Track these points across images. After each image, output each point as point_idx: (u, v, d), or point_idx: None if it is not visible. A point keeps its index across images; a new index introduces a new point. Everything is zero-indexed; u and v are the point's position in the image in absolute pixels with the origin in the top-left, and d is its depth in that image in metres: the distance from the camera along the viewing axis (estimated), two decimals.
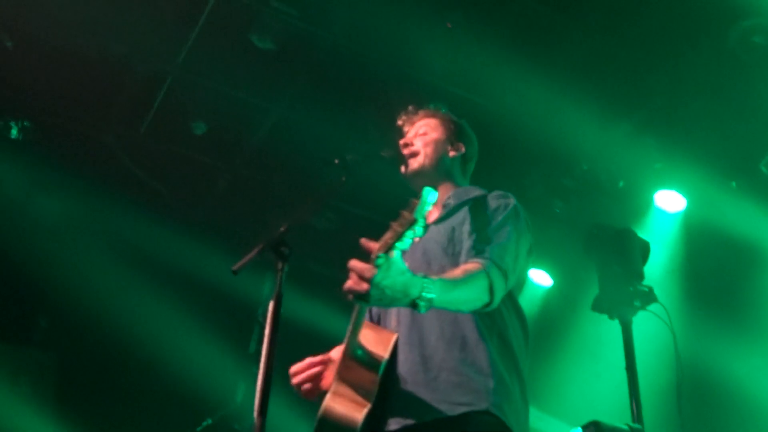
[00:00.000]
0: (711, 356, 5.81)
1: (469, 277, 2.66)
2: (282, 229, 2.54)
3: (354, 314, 2.64)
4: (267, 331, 2.41)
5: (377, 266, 2.28)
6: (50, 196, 7.73)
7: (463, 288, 2.62)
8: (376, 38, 5.95)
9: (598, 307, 4.72)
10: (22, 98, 6.74)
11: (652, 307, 4.54)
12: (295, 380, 2.95)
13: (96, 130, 7.12)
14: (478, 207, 3.08)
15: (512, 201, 3.10)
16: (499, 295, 2.75)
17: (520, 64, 5.86)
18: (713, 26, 5.41)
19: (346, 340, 2.72)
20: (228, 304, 8.02)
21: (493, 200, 3.10)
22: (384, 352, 2.76)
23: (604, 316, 4.69)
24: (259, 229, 7.59)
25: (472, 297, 2.67)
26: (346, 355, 2.72)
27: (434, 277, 2.49)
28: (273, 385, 2.64)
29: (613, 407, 4.95)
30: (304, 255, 8.39)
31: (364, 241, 2.36)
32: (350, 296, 2.33)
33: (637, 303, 4.52)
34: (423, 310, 2.42)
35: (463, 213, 3.09)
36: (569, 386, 7.03)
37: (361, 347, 2.74)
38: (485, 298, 2.69)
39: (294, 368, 2.97)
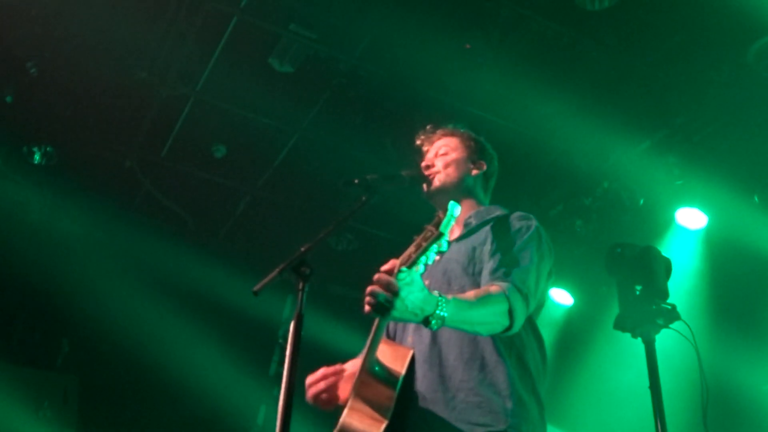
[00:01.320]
0: (737, 374, 5.74)
1: (486, 299, 2.65)
2: (303, 249, 2.54)
3: (373, 330, 2.64)
4: (288, 352, 2.40)
5: (400, 280, 2.28)
6: (73, 221, 7.81)
7: (478, 309, 2.61)
8: (395, 60, 5.98)
9: (620, 325, 4.65)
10: (45, 124, 6.84)
11: (676, 325, 4.48)
12: (311, 391, 2.95)
13: (117, 154, 7.20)
14: (499, 227, 3.06)
15: (534, 223, 3.07)
16: (520, 319, 2.73)
17: (540, 84, 5.87)
18: (732, 44, 5.39)
19: (363, 356, 2.72)
20: (249, 326, 8.05)
21: (516, 221, 3.07)
22: (401, 368, 2.77)
23: (627, 335, 4.63)
24: (279, 251, 7.62)
25: (489, 320, 2.65)
26: (364, 371, 2.71)
27: (450, 296, 2.48)
28: (294, 406, 2.64)
29: (638, 427, 4.89)
30: (323, 276, 8.41)
31: (387, 264, 2.36)
32: (370, 309, 2.32)
33: (660, 321, 4.45)
34: (435, 328, 2.42)
35: (485, 232, 3.07)
36: (593, 406, 6.96)
37: (379, 363, 2.74)
38: (505, 322, 2.67)
39: (309, 379, 2.97)
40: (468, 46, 5.73)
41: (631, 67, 5.85)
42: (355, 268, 8.20)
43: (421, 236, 2.34)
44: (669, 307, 4.48)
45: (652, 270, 4.55)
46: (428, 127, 3.49)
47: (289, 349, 2.41)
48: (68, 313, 7.55)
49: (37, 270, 7.45)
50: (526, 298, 2.75)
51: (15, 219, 7.52)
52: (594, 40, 5.71)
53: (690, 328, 4.45)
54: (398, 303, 2.28)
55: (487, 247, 2.98)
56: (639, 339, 4.56)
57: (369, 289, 2.30)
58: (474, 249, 3.03)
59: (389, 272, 2.32)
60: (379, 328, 2.62)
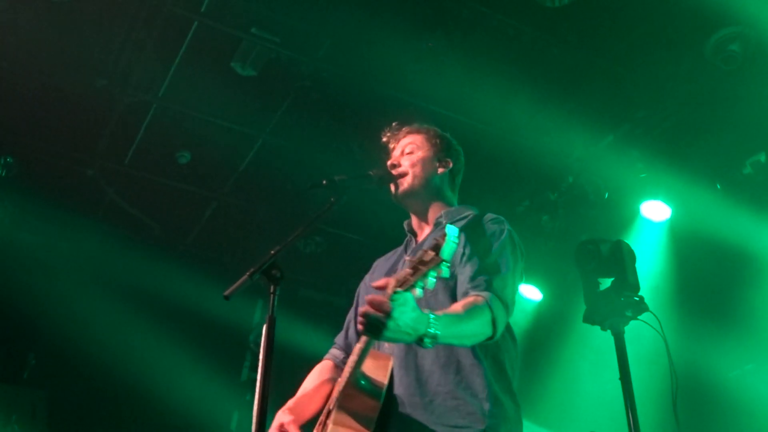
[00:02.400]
0: (704, 362, 5.83)
1: (472, 311, 2.66)
2: (272, 252, 2.53)
3: (360, 346, 2.62)
4: (261, 355, 2.39)
5: (393, 301, 2.28)
6: (36, 232, 7.69)
7: (467, 323, 2.63)
8: (358, 61, 5.98)
9: (589, 318, 4.72)
10: (5, 134, 6.72)
11: (644, 316, 4.55)
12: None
13: (80, 163, 7.11)
14: (473, 230, 3.05)
15: (507, 226, 3.08)
16: (502, 328, 2.75)
17: (503, 82, 5.91)
18: (691, 38, 5.48)
19: (348, 370, 2.71)
20: (219, 332, 7.99)
21: (489, 225, 3.07)
22: (384, 379, 2.77)
23: (596, 328, 4.70)
24: (248, 256, 7.58)
25: (475, 332, 2.67)
26: (349, 384, 2.70)
27: (439, 313, 2.49)
28: (269, 410, 2.62)
29: (609, 418, 4.94)
30: (293, 280, 8.38)
31: (375, 283, 2.38)
32: (362, 328, 2.33)
33: (628, 313, 4.52)
34: (429, 346, 2.43)
35: (459, 238, 3.07)
36: (565, 399, 7.02)
37: (365, 377, 2.74)
38: (488, 332, 2.70)
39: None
40: (430, 44, 5.75)
41: (592, 63, 5.92)
42: (324, 271, 8.19)
43: (417, 258, 2.32)
44: (637, 299, 4.55)
45: (624, 264, 4.62)
46: (394, 124, 3.48)
47: (262, 353, 2.40)
48: (34, 326, 7.43)
49: (1, 283, 7.32)
50: (506, 307, 2.78)
51: None
52: (555, 37, 5.76)
53: (658, 319, 4.52)
54: (391, 324, 2.29)
55: (460, 250, 2.96)
56: (608, 331, 4.62)
57: (362, 309, 2.31)
58: None
59: (382, 289, 2.33)
60: (368, 344, 2.60)
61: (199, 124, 6.73)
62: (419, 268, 2.29)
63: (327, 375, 3.19)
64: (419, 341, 2.40)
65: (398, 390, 2.84)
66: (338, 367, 3.30)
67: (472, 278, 2.83)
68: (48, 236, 7.80)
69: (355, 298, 3.44)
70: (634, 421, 4.26)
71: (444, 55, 5.79)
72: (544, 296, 7.37)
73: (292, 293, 8.26)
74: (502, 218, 3.13)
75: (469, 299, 2.74)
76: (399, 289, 2.29)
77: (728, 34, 5.30)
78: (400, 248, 3.37)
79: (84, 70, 6.13)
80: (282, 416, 2.93)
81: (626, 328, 4.57)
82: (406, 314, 2.31)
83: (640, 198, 6.37)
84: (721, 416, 5.89)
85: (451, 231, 2.28)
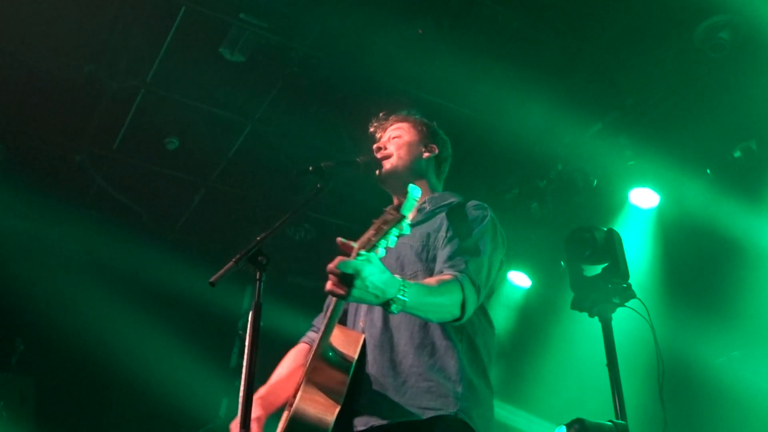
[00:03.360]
0: (691, 349, 5.87)
1: (443, 287, 2.67)
2: (259, 238, 2.53)
3: (328, 314, 2.64)
4: (247, 342, 2.39)
5: (359, 259, 2.26)
6: (23, 218, 7.66)
7: (436, 296, 2.63)
8: (347, 47, 5.96)
9: (577, 305, 4.75)
10: None
11: (631, 303, 4.57)
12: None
13: (68, 149, 7.07)
14: (455, 214, 3.07)
15: (489, 213, 3.10)
16: (470, 310, 2.75)
17: (492, 69, 5.91)
18: (680, 25, 5.48)
19: (317, 342, 2.72)
20: (208, 319, 7.99)
21: (472, 210, 3.09)
22: (353, 354, 2.79)
23: (584, 315, 4.72)
24: (236, 242, 7.57)
25: (442, 308, 2.67)
26: (317, 357, 2.72)
27: (411, 281, 2.49)
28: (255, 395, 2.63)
29: (597, 404, 4.97)
30: (282, 267, 8.37)
31: (340, 240, 2.34)
32: (331, 287, 2.29)
33: (615, 300, 4.55)
34: (395, 311, 2.42)
35: (440, 219, 3.08)
36: (552, 385, 7.06)
37: (333, 349, 2.75)
38: (456, 312, 2.70)
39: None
40: (420, 31, 5.73)
41: (581, 50, 5.91)
42: (313, 258, 8.19)
43: (381, 219, 2.33)
44: (625, 285, 4.57)
45: (616, 251, 4.65)
46: (381, 114, 3.51)
47: (249, 340, 2.40)
48: (22, 311, 7.41)
49: None
50: (478, 290, 2.78)
51: None
52: (544, 24, 5.75)
53: (645, 306, 4.54)
54: (358, 282, 2.26)
55: (442, 233, 3.00)
56: (596, 318, 4.65)
57: (330, 266, 2.28)
58: (429, 235, 3.05)
59: (348, 251, 2.31)
60: (334, 312, 2.61)
61: (187, 111, 6.70)
62: (381, 228, 2.29)
63: (301, 360, 3.21)
64: (386, 305, 2.39)
65: (371, 369, 2.86)
66: None
67: (449, 258, 2.86)
68: (36, 222, 7.77)
69: None
70: (620, 407, 4.29)
71: (433, 41, 5.77)
72: (532, 283, 7.40)
73: (281, 280, 8.26)
74: (486, 205, 3.14)
75: (443, 276, 2.75)
76: (362, 251, 2.27)
77: (717, 21, 5.31)
78: None
79: (71, 56, 6.08)
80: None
81: (613, 315, 4.60)
82: (375, 275, 2.29)
83: (629, 185, 6.39)
84: (707, 402, 5.93)
85: (413, 190, 2.29)
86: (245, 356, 2.37)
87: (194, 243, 8.19)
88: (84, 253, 7.74)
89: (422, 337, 2.87)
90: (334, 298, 2.48)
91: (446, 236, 2.97)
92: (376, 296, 2.34)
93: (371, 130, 3.50)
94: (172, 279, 7.63)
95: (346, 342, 2.79)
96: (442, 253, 2.92)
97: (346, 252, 2.31)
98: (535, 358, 7.27)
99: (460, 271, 2.77)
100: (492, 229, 3.03)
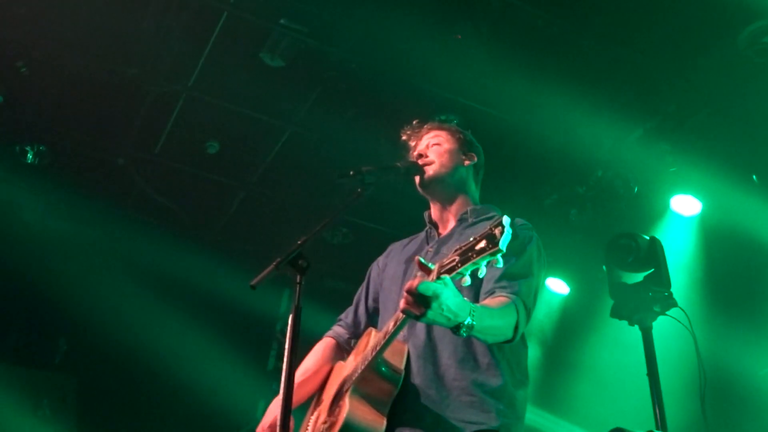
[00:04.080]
0: (733, 359, 5.75)
1: (502, 310, 2.70)
2: (299, 242, 2.54)
3: (390, 331, 2.63)
4: (287, 344, 2.41)
5: (438, 282, 2.29)
6: (67, 220, 7.79)
7: (497, 320, 2.66)
8: (386, 52, 5.97)
9: (617, 313, 4.69)
10: (38, 123, 6.82)
11: (672, 311, 4.51)
12: None
13: (110, 152, 7.18)
14: None
15: (534, 234, 3.10)
16: (521, 332, 2.79)
17: (532, 74, 5.86)
18: (723, 30, 5.40)
19: (371, 353, 2.72)
20: (246, 322, 8.05)
21: (519, 230, 3.07)
22: (400, 365, 2.81)
23: (624, 323, 4.66)
24: (275, 246, 7.61)
25: (501, 331, 2.71)
26: (369, 368, 2.72)
27: (477, 305, 2.52)
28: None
29: (637, 414, 4.91)
30: (319, 271, 8.40)
31: (419, 260, 2.38)
32: (405, 306, 2.32)
33: (656, 308, 4.49)
34: (464, 335, 2.44)
35: None
36: (591, 394, 6.97)
37: (386, 363, 2.77)
38: (509, 334, 2.73)
39: None
40: (458, 36, 5.72)
41: (622, 54, 5.85)
42: (350, 262, 8.21)
43: (467, 246, 2.29)
44: (666, 294, 4.51)
45: (658, 259, 4.59)
46: (414, 122, 3.50)
47: (288, 342, 2.42)
48: (65, 311, 7.54)
49: (33, 269, 7.44)
50: (528, 313, 2.82)
51: (9, 219, 7.49)
52: (584, 29, 5.71)
53: (687, 315, 4.47)
54: (435, 305, 2.29)
55: None
56: (636, 326, 4.59)
57: (408, 286, 2.30)
58: None
59: (426, 271, 2.34)
60: (398, 329, 2.61)
61: (228, 115, 6.77)
62: (470, 256, 2.27)
63: (328, 354, 3.28)
64: (456, 328, 2.41)
65: (415, 381, 2.86)
66: (340, 345, 3.32)
67: (500, 279, 2.85)
68: (79, 224, 7.90)
69: (366, 279, 3.46)
70: (661, 418, 4.23)
71: (472, 46, 5.75)
72: (571, 290, 7.33)
73: (318, 283, 8.29)
74: (530, 225, 3.15)
75: (501, 299, 2.76)
76: (445, 274, 2.28)
77: (762, 26, 5.22)
78: (419, 238, 3.37)
79: (115, 60, 6.18)
80: (274, 409, 2.99)
81: (654, 324, 4.53)
82: (450, 299, 2.32)
83: (670, 192, 6.30)
84: (750, 414, 5.82)
85: (507, 222, 2.24)
86: (285, 359, 2.38)
87: (233, 246, 8.26)
88: (125, 255, 7.85)
89: (465, 352, 2.88)
90: (402, 315, 2.45)
91: None
92: (449, 319, 2.37)
93: (404, 138, 3.48)
94: (212, 281, 7.71)
95: (392, 353, 2.79)
96: (491, 272, 2.87)
97: (426, 272, 2.34)
98: (574, 366, 7.19)
99: (515, 293, 2.79)
100: (537, 251, 3.04)
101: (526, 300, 2.80)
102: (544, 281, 3.12)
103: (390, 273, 3.26)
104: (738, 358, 5.80)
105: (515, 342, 2.78)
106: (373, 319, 3.34)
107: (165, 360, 7.45)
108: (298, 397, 3.10)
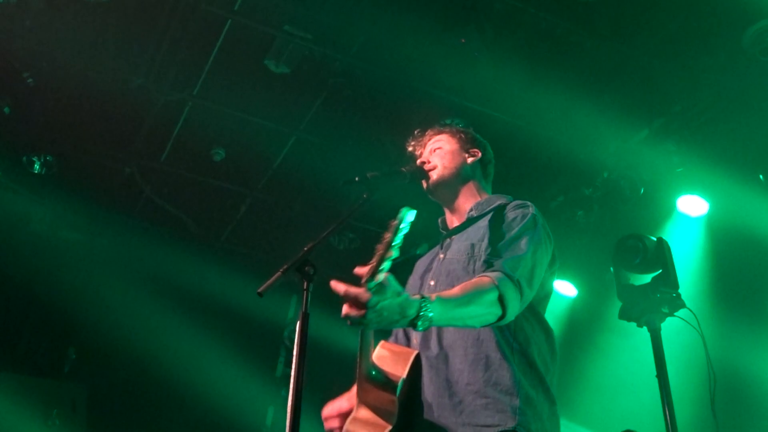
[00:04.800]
0: (743, 359, 5.73)
1: (474, 291, 2.62)
2: (306, 248, 2.54)
3: (360, 338, 2.65)
4: (295, 352, 2.41)
5: (370, 290, 2.28)
6: (75, 229, 7.83)
7: (466, 304, 2.58)
8: (391, 57, 5.98)
9: (625, 315, 4.67)
10: (44, 133, 6.85)
11: (681, 312, 4.49)
12: (326, 425, 2.99)
13: (117, 161, 7.21)
14: (496, 220, 3.05)
15: (531, 210, 3.06)
16: (513, 306, 2.69)
17: (536, 76, 5.86)
18: (727, 30, 5.39)
19: (358, 364, 2.73)
20: (254, 328, 8.06)
21: (511, 211, 3.06)
22: (401, 372, 2.75)
23: (632, 324, 4.64)
24: (282, 252, 7.63)
25: (479, 312, 2.63)
26: (362, 378, 2.72)
27: (433, 296, 2.47)
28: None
29: (647, 416, 4.89)
30: (326, 276, 8.39)
31: (357, 269, 2.38)
32: (348, 322, 2.33)
33: (665, 309, 4.46)
34: (421, 328, 2.41)
35: (483, 228, 3.06)
36: (600, 396, 6.96)
37: (376, 368, 2.74)
38: (497, 311, 2.64)
39: (325, 412, 3.01)
40: (463, 40, 5.72)
41: (627, 55, 5.85)
42: (357, 266, 8.21)
43: (380, 245, 2.33)
44: (674, 295, 4.49)
45: (666, 260, 4.57)
46: (416, 132, 3.51)
47: (296, 349, 2.42)
48: (74, 321, 7.56)
49: (41, 279, 7.47)
50: (518, 284, 2.71)
51: (17, 229, 7.53)
52: (588, 30, 5.71)
53: (695, 316, 4.45)
54: (370, 314, 2.29)
55: (485, 242, 2.97)
56: (645, 328, 4.57)
57: (341, 290, 2.32)
58: (473, 246, 3.02)
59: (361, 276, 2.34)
60: (365, 335, 2.62)
61: (233, 122, 6.79)
62: (380, 253, 2.29)
63: None
64: (412, 325, 2.39)
65: (428, 391, 2.85)
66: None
67: (486, 261, 2.85)
68: (87, 233, 7.94)
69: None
70: (671, 419, 4.21)
71: (476, 50, 5.76)
72: (579, 292, 7.31)
73: (325, 289, 8.28)
74: (527, 203, 3.12)
75: (474, 280, 2.71)
76: (369, 279, 2.28)
77: (766, 25, 5.21)
78: (437, 247, 3.36)
79: (120, 70, 6.21)
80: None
81: (663, 325, 4.51)
82: (386, 300, 2.31)
83: (677, 193, 6.28)
84: (761, 415, 5.79)
85: (405, 212, 2.28)
86: (293, 367, 2.38)
87: (240, 252, 8.27)
88: (133, 263, 7.87)
89: (476, 353, 2.84)
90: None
91: (487, 242, 2.96)
92: (395, 320, 2.36)
93: (410, 149, 3.49)
94: (219, 288, 7.73)
95: (394, 360, 2.76)
96: (482, 259, 2.91)
97: (360, 276, 2.34)
98: (583, 369, 7.17)
99: (495, 270, 2.73)
100: (532, 226, 2.98)
101: (511, 272, 2.71)
102: (546, 256, 3.01)
103: (409, 289, 3.25)
104: (748, 358, 5.77)
105: (510, 318, 2.69)
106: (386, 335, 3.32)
107: (174, 368, 7.47)
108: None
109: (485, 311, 2.63)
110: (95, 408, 7.51)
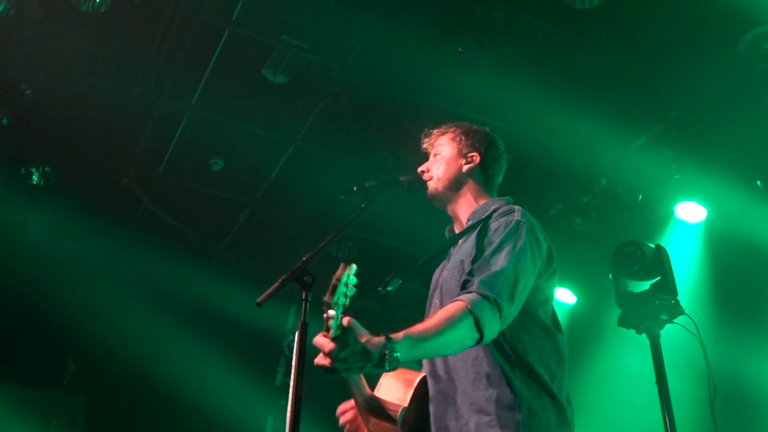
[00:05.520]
0: (743, 366, 5.73)
1: (445, 321, 2.53)
2: (304, 258, 2.54)
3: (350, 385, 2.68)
4: (294, 362, 2.40)
5: (333, 339, 2.27)
6: (73, 240, 7.83)
7: (437, 336, 2.50)
8: (388, 66, 5.99)
9: (624, 322, 4.67)
10: (42, 144, 6.85)
11: (680, 319, 4.49)
12: (341, 420, 3.00)
13: (115, 172, 7.22)
14: (481, 232, 2.97)
15: (515, 216, 2.93)
16: (491, 326, 2.60)
17: (533, 85, 5.88)
18: (724, 36, 5.41)
19: (353, 396, 2.74)
20: (253, 338, 8.05)
21: (494, 221, 2.97)
22: (402, 401, 2.75)
23: (631, 331, 4.64)
24: (281, 261, 7.63)
25: (452, 340, 2.55)
26: (362, 410, 2.75)
27: (400, 335, 2.41)
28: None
29: (647, 424, 4.88)
30: (325, 285, 8.39)
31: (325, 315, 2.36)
32: (322, 371, 2.33)
33: (664, 316, 4.46)
34: (389, 368, 2.35)
35: (472, 241, 2.98)
36: (600, 404, 6.94)
37: (375, 400, 2.76)
38: (473, 335, 2.57)
39: (340, 408, 3.02)
40: (460, 49, 5.74)
41: (624, 63, 5.87)
42: (356, 275, 8.21)
43: (327, 296, 2.30)
44: (673, 301, 4.49)
45: (664, 267, 4.57)
46: (426, 130, 3.46)
47: (295, 359, 2.41)
48: (72, 332, 7.55)
49: (40, 290, 7.46)
50: (495, 303, 2.62)
51: (15, 240, 7.53)
52: (585, 39, 5.72)
53: (694, 322, 4.45)
54: (337, 365, 2.29)
55: (471, 257, 2.90)
56: (644, 335, 4.57)
57: (314, 340, 2.32)
58: (462, 262, 2.96)
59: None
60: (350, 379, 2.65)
61: (231, 132, 6.80)
62: (326, 309, 2.27)
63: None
64: (380, 367, 2.34)
65: (435, 415, 2.84)
66: None
67: (464, 282, 2.76)
68: (85, 244, 7.94)
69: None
70: (671, 426, 4.20)
71: (474, 59, 5.77)
72: (577, 300, 7.31)
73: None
74: (513, 209, 3.01)
75: (447, 307, 2.63)
76: (330, 331, 2.27)
77: (763, 32, 5.23)
78: (445, 260, 3.29)
79: (118, 81, 6.22)
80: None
81: (662, 332, 4.51)
82: (349, 347, 2.29)
83: (675, 199, 6.29)
84: (761, 421, 5.79)
85: (347, 272, 2.25)
86: (292, 377, 2.38)
87: (239, 262, 8.27)
88: (132, 274, 7.87)
89: (476, 371, 2.81)
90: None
91: (472, 259, 2.87)
92: (361, 366, 2.33)
93: (423, 146, 3.41)
94: (218, 297, 7.72)
95: (396, 387, 2.76)
96: (470, 264, 2.84)
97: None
98: (582, 377, 7.16)
99: (470, 292, 2.65)
100: (515, 232, 2.86)
101: (487, 291, 2.62)
102: (533, 262, 2.88)
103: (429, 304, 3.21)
104: (747, 364, 5.77)
105: (489, 339, 2.62)
106: None
107: (173, 378, 7.46)
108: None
109: (460, 338, 2.56)
110: (94, 419, 7.49)
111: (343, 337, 2.27)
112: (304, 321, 2.45)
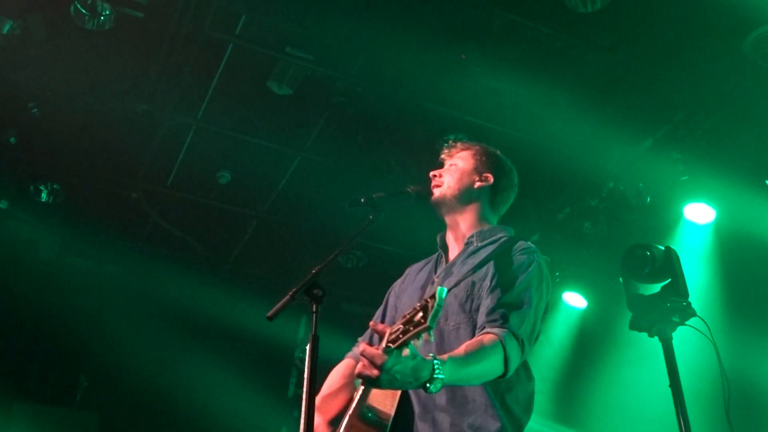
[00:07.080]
0: (757, 366, 5.70)
1: (482, 352, 2.62)
2: (313, 271, 2.55)
3: (357, 397, 2.69)
4: (306, 374, 2.41)
5: (387, 353, 2.29)
6: (83, 256, 7.86)
7: (475, 365, 2.59)
8: (392, 75, 6.01)
9: (635, 325, 4.65)
10: (50, 162, 6.89)
11: (692, 321, 4.47)
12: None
13: (123, 187, 7.25)
14: (501, 260, 2.99)
15: (535, 258, 2.99)
16: (514, 365, 2.71)
17: (538, 89, 5.88)
18: (728, 36, 5.40)
19: (354, 403, 2.73)
20: (264, 350, 8.05)
21: (518, 255, 3.00)
22: (390, 410, 2.75)
23: (643, 335, 4.62)
24: (290, 272, 7.64)
25: (485, 372, 2.64)
26: (354, 416, 2.73)
27: (445, 357, 2.47)
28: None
29: (661, 427, 4.86)
30: (335, 295, 8.40)
31: (373, 325, 2.41)
32: (362, 381, 2.35)
33: (675, 318, 4.44)
34: (434, 391, 2.40)
35: (487, 267, 3.00)
36: (613, 408, 6.91)
37: (371, 409, 2.75)
38: (499, 371, 2.66)
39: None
40: (463, 56, 5.74)
41: (628, 66, 5.86)
42: (365, 284, 8.22)
43: (409, 317, 2.30)
44: (684, 303, 4.47)
45: (675, 269, 4.56)
46: (450, 141, 3.48)
47: (307, 372, 2.42)
48: (85, 348, 7.57)
49: (51, 307, 7.48)
50: (522, 344, 2.72)
51: (26, 258, 7.56)
52: (588, 42, 5.72)
53: (706, 324, 4.43)
54: (384, 376, 2.30)
55: (487, 283, 2.92)
56: (656, 338, 4.55)
57: (361, 349, 2.34)
58: (473, 284, 2.97)
59: (380, 334, 2.36)
60: (364, 390, 2.67)
61: (237, 144, 6.82)
62: (409, 330, 2.27)
63: (349, 373, 3.24)
64: (424, 387, 2.38)
65: (416, 428, 2.83)
66: None
67: (490, 312, 2.79)
68: (95, 259, 7.97)
69: (383, 303, 3.43)
70: (686, 429, 4.18)
71: (477, 65, 5.78)
72: (588, 304, 7.28)
73: (335, 308, 8.29)
74: (533, 248, 3.06)
75: (481, 337, 2.69)
76: (391, 346, 2.29)
77: (767, 31, 5.22)
78: (432, 262, 3.33)
79: (124, 97, 6.26)
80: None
81: (674, 334, 4.49)
82: (402, 363, 2.31)
83: (683, 201, 6.27)
84: None
85: (441, 294, 2.21)
86: (304, 388, 2.38)
87: (248, 274, 8.28)
88: (142, 289, 7.89)
89: (462, 396, 2.83)
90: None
91: (490, 285, 2.90)
92: (409, 383, 2.36)
93: (442, 156, 3.43)
94: (228, 310, 7.73)
95: (383, 396, 2.76)
96: (485, 305, 2.85)
97: (380, 334, 2.36)
98: (595, 381, 7.13)
99: (501, 327, 2.72)
100: (538, 276, 2.94)
101: (516, 330, 2.71)
102: (544, 307, 2.99)
103: (404, 301, 3.23)
104: (761, 364, 5.74)
105: (510, 375, 2.70)
106: None
107: (185, 392, 7.46)
108: (327, 414, 3.08)
109: (490, 371, 2.65)
110: None
111: (399, 352, 2.29)
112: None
